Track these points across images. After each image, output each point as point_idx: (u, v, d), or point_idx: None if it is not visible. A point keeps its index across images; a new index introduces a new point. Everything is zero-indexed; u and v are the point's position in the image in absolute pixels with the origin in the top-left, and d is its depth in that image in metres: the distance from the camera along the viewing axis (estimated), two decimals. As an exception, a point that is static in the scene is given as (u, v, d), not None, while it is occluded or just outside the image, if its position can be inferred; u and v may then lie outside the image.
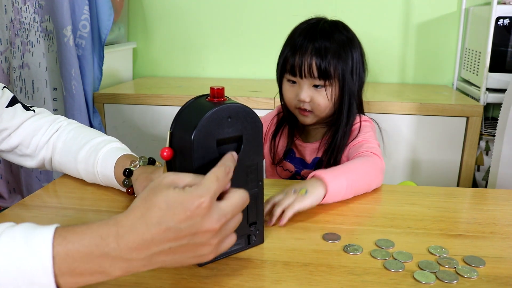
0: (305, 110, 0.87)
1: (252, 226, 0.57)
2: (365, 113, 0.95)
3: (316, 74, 0.84)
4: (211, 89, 0.51)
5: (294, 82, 0.88)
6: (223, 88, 0.52)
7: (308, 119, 0.89)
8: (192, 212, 0.42)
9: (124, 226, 0.42)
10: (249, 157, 0.54)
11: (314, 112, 0.87)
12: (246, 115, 0.52)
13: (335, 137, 0.88)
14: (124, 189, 0.72)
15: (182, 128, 0.51)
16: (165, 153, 0.51)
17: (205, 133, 0.49)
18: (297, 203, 0.64)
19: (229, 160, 0.48)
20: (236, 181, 0.52)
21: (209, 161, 0.50)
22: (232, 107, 0.51)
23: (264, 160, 0.61)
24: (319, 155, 0.92)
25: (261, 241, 0.58)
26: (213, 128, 0.50)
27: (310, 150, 0.94)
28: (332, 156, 0.88)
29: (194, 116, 0.50)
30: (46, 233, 0.41)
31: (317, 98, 0.86)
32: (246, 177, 0.54)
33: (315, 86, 0.86)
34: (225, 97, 0.53)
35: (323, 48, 0.84)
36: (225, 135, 0.51)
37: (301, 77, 0.85)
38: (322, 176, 0.68)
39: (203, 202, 0.42)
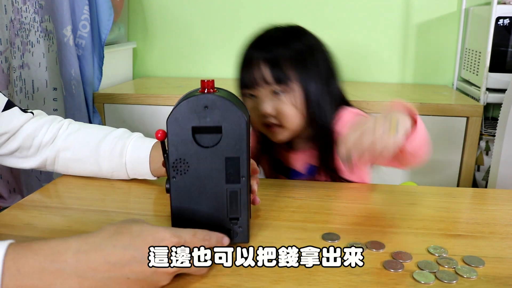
0: (273, 125, 0.80)
1: (234, 221, 0.56)
2: (352, 106, 0.87)
3: (271, 80, 0.77)
4: (202, 82, 0.53)
5: (253, 95, 0.80)
6: (213, 81, 0.53)
7: (280, 135, 0.80)
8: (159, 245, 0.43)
9: (88, 243, 0.41)
10: (230, 149, 0.54)
11: (284, 125, 0.79)
12: (226, 107, 0.52)
13: (321, 142, 0.82)
14: (152, 178, 0.76)
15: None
16: (159, 134, 0.55)
17: (179, 118, 0.53)
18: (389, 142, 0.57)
19: (214, 236, 0.50)
20: (214, 173, 0.54)
21: (184, 146, 0.53)
22: (210, 97, 0.52)
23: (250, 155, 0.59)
24: (312, 162, 0.86)
25: (244, 240, 0.57)
26: (188, 115, 0.52)
27: (300, 159, 0.87)
28: (329, 163, 0.82)
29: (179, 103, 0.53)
30: None
31: (281, 107, 0.78)
32: (226, 171, 0.54)
33: (275, 93, 0.78)
34: (216, 89, 0.54)
35: (276, 56, 0.77)
36: (202, 123, 0.53)
37: (256, 86, 0.78)
38: (411, 112, 0.63)
39: (171, 242, 0.44)
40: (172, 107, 0.54)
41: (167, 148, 0.55)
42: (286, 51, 0.78)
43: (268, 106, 0.78)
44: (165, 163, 0.56)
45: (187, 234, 0.48)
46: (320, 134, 0.81)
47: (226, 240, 0.51)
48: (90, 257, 0.40)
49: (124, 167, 0.76)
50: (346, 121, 0.80)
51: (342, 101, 0.86)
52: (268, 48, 0.79)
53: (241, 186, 0.55)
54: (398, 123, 0.59)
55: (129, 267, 0.42)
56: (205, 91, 0.53)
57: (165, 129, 0.54)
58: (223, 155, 0.54)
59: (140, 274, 0.43)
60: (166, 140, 0.55)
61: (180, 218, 0.56)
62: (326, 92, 0.81)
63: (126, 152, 0.75)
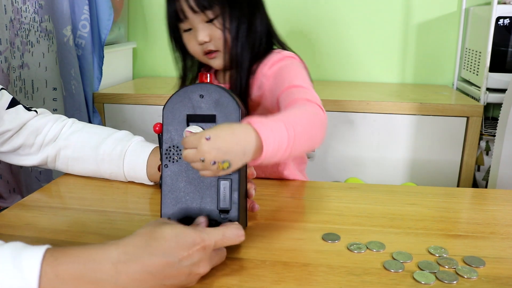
0: (211, 51, 0.81)
1: (224, 214, 0.55)
2: (288, 49, 0.87)
3: (196, 8, 0.78)
4: (200, 74, 0.55)
5: (189, 29, 0.82)
6: (211, 74, 0.55)
7: (218, 60, 0.82)
8: (196, 249, 0.44)
9: (127, 253, 0.41)
10: None
11: (220, 50, 0.81)
12: (221, 96, 0.54)
13: (232, 73, 0.82)
14: (149, 183, 0.75)
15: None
16: (157, 128, 0.56)
17: (174, 106, 0.54)
18: (212, 174, 0.49)
19: (234, 235, 0.51)
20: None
21: (178, 134, 0.55)
22: (205, 86, 0.54)
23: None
24: None
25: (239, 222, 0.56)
26: (184, 102, 0.54)
27: None
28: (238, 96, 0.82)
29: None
30: (36, 252, 0.39)
31: (215, 32, 0.79)
32: None
33: (209, 21, 0.79)
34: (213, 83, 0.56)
35: None
36: (197, 111, 0.54)
37: (186, 17, 0.80)
38: (258, 132, 0.51)
39: (208, 245, 0.45)
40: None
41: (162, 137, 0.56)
42: None
43: (203, 34, 0.80)
44: (161, 159, 0.56)
45: (217, 236, 0.48)
46: (232, 65, 0.82)
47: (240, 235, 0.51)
48: (129, 268, 0.40)
49: (122, 170, 0.76)
50: (272, 63, 0.82)
51: (269, 33, 0.86)
52: None
53: (232, 177, 0.55)
54: (229, 167, 0.49)
55: (165, 273, 0.42)
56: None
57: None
58: None
59: (175, 279, 0.44)
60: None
61: (170, 207, 0.56)
62: (247, 20, 0.81)
63: (124, 155, 0.75)
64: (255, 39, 0.82)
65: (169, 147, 0.55)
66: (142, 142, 0.78)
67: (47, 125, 0.78)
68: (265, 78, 0.82)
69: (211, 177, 0.54)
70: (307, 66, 0.86)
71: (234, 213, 0.55)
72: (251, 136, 0.51)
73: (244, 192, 0.57)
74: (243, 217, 0.57)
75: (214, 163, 0.48)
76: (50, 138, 0.78)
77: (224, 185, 0.55)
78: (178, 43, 0.88)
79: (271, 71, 0.81)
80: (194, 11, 0.79)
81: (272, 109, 0.80)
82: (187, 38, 0.84)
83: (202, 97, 0.54)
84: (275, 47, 0.88)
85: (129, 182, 0.78)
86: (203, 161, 0.47)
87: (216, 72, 0.91)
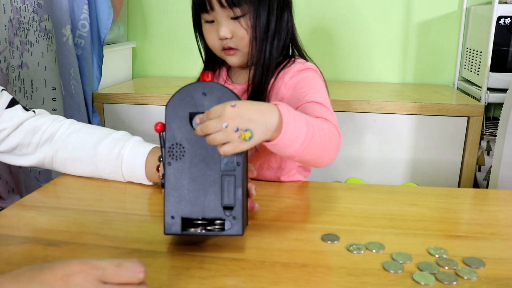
0: (230, 48, 0.80)
1: (228, 210, 0.55)
2: (308, 60, 0.86)
3: (225, 3, 0.76)
4: (202, 73, 0.56)
5: (212, 21, 0.80)
6: (212, 73, 0.56)
7: (235, 58, 0.81)
8: (75, 277, 0.39)
9: (19, 281, 0.39)
10: None
11: (239, 48, 0.80)
12: (224, 93, 0.54)
13: (256, 73, 0.80)
14: (148, 183, 0.75)
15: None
16: (158, 127, 0.56)
17: (177, 104, 0.55)
18: (232, 149, 0.51)
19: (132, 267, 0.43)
20: (209, 159, 0.55)
21: (180, 131, 0.55)
22: (208, 84, 0.54)
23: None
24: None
25: (238, 231, 0.55)
26: (186, 100, 0.54)
27: (238, 92, 0.84)
28: (256, 96, 0.80)
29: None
30: None
31: (239, 31, 0.78)
32: (221, 157, 0.55)
33: (234, 18, 0.78)
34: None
35: None
36: (199, 109, 0.54)
37: (213, 9, 0.78)
38: (282, 114, 0.54)
39: (94, 273, 0.40)
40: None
41: (164, 136, 0.56)
42: None
43: (227, 31, 0.78)
44: (162, 159, 0.56)
45: (110, 264, 0.41)
46: (258, 65, 0.80)
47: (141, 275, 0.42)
48: None
49: (120, 170, 0.76)
50: (293, 72, 0.80)
51: (293, 38, 0.86)
52: None
53: (236, 173, 0.54)
54: (251, 139, 0.51)
55: None
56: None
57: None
58: None
59: None
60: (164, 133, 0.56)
61: (174, 205, 0.55)
62: (276, 21, 0.80)
63: (123, 155, 0.75)
64: (281, 41, 0.81)
65: (172, 144, 0.55)
66: (140, 142, 0.78)
67: (44, 125, 0.78)
68: (284, 86, 0.81)
69: (215, 172, 0.54)
70: (325, 80, 0.85)
71: (238, 209, 0.55)
72: (275, 113, 0.54)
73: (245, 190, 0.57)
74: (245, 216, 0.57)
75: (237, 130, 0.50)
76: (47, 137, 0.78)
77: (228, 181, 0.55)
78: (200, 32, 0.86)
79: (292, 81, 0.80)
80: (222, 5, 0.77)
81: None
82: (207, 29, 0.82)
83: (205, 95, 0.54)
84: (296, 54, 0.87)
85: (127, 182, 0.78)
86: (226, 127, 0.49)
87: (229, 68, 0.89)
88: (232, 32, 0.78)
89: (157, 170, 0.71)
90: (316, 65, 0.86)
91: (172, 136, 0.55)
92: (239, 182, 0.55)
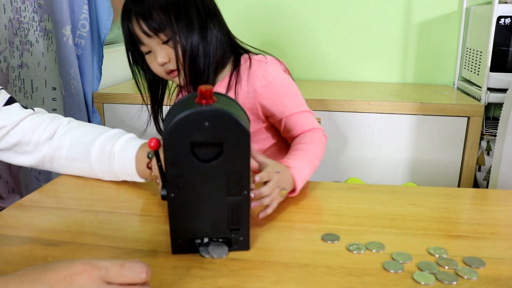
0: (172, 71, 0.83)
1: (234, 232, 0.55)
2: (259, 53, 0.90)
3: (151, 32, 0.79)
4: (199, 90, 0.49)
5: (149, 52, 0.83)
6: (211, 89, 0.49)
7: (180, 78, 0.83)
8: (78, 276, 0.39)
9: (23, 282, 0.39)
10: (231, 164, 0.52)
11: (180, 68, 0.82)
12: (227, 121, 0.49)
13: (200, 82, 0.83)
14: (140, 180, 0.75)
15: (165, 125, 0.52)
16: (152, 143, 0.53)
17: (177, 134, 0.49)
18: (276, 204, 0.65)
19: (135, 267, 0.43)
20: (214, 187, 0.53)
21: (182, 161, 0.51)
22: (209, 112, 0.49)
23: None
24: None
25: (245, 247, 0.56)
26: (186, 130, 0.49)
27: None
28: None
29: (174, 115, 0.50)
30: None
31: (173, 53, 0.81)
32: (228, 184, 0.53)
33: (165, 43, 0.81)
34: (215, 98, 0.51)
35: (147, 7, 0.78)
36: (201, 139, 0.50)
37: (142, 42, 0.81)
38: (295, 179, 0.70)
39: (98, 273, 0.40)
40: (167, 114, 0.52)
41: (163, 163, 0.52)
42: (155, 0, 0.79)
43: (161, 56, 0.81)
44: (160, 174, 0.54)
45: (113, 264, 0.42)
46: (199, 76, 0.83)
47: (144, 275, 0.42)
48: None
49: (113, 168, 0.75)
50: (264, 80, 0.84)
51: (230, 42, 0.88)
52: (138, 0, 0.80)
53: (242, 199, 0.54)
54: (283, 196, 0.67)
55: None
56: (203, 102, 0.50)
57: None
58: (224, 169, 0.52)
59: None
60: (162, 150, 0.53)
61: (180, 229, 0.55)
62: (201, 33, 0.81)
63: (114, 153, 0.74)
64: (212, 49, 0.83)
65: (174, 175, 0.52)
66: (131, 139, 0.76)
67: (43, 123, 0.78)
68: (258, 95, 0.85)
69: (221, 198, 0.53)
70: (286, 65, 0.90)
71: (245, 228, 0.56)
72: (289, 172, 0.70)
73: (249, 204, 0.56)
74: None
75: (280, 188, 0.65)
76: (46, 137, 0.77)
77: (234, 206, 0.54)
78: (138, 64, 0.89)
79: (266, 91, 0.85)
80: (148, 35, 0.80)
81: (264, 117, 0.89)
82: (149, 60, 0.85)
83: (207, 123, 0.49)
84: (241, 51, 0.90)
85: (129, 182, 0.78)
86: (280, 188, 0.65)
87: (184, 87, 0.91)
88: (168, 55, 0.82)
89: (147, 167, 0.71)
90: (270, 54, 0.89)
91: (172, 166, 0.51)
92: (246, 207, 0.54)
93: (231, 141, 0.51)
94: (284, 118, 0.86)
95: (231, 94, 0.85)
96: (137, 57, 0.88)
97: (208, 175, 0.52)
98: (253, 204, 0.61)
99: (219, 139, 0.50)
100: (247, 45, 0.91)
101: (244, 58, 0.88)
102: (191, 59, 0.81)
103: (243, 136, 0.51)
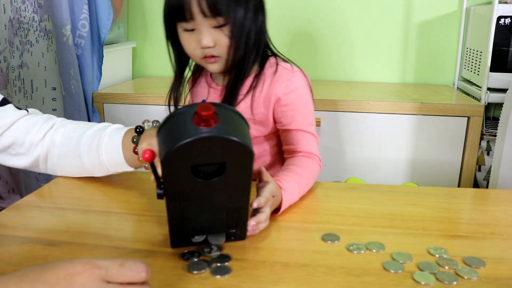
0: (212, 56, 0.79)
1: (232, 228, 0.57)
2: (288, 61, 0.87)
3: (209, 14, 0.74)
4: (198, 113, 0.46)
5: (191, 30, 0.78)
6: (211, 113, 0.46)
7: (216, 65, 0.81)
8: (79, 275, 0.40)
9: (22, 281, 0.40)
10: (233, 180, 0.52)
11: (221, 56, 0.79)
12: (230, 145, 0.47)
13: (232, 78, 0.81)
14: (129, 169, 0.73)
15: (162, 141, 0.49)
16: (146, 155, 0.52)
17: (177, 157, 0.47)
18: (266, 224, 0.64)
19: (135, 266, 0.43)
20: (216, 198, 0.53)
21: (182, 180, 0.50)
22: (211, 138, 0.46)
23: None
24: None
25: (242, 237, 0.59)
26: (187, 154, 0.47)
27: (218, 92, 0.89)
28: (229, 100, 0.82)
29: (173, 134, 0.47)
30: None
31: (221, 39, 0.77)
32: (229, 198, 0.54)
33: (217, 27, 0.77)
34: (215, 113, 0.47)
35: None
36: (203, 161, 0.49)
37: (193, 18, 0.75)
38: (282, 202, 0.67)
39: (98, 272, 0.40)
40: (162, 125, 0.50)
41: (161, 179, 0.51)
42: None
43: (210, 40, 0.77)
44: (155, 175, 0.54)
45: (113, 263, 0.42)
46: (234, 70, 0.81)
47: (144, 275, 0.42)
48: None
49: (102, 160, 0.73)
50: (287, 88, 0.82)
51: (266, 39, 0.86)
52: None
53: (244, 204, 0.55)
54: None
55: None
56: (202, 125, 0.46)
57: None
58: (225, 184, 0.52)
59: None
60: (157, 159, 0.52)
61: (178, 229, 0.56)
62: (254, 24, 0.80)
63: (102, 144, 0.73)
64: (256, 43, 0.81)
65: (174, 192, 0.51)
66: (118, 129, 0.75)
67: (37, 125, 0.77)
68: (276, 101, 0.82)
69: (221, 206, 0.54)
70: (310, 80, 0.87)
71: (243, 224, 0.57)
72: (280, 197, 0.68)
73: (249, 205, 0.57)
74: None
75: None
76: (39, 137, 0.76)
77: (233, 211, 0.55)
78: (175, 41, 0.85)
79: (284, 100, 0.82)
80: (204, 15, 0.75)
81: (272, 124, 0.86)
82: (186, 38, 0.80)
83: (209, 148, 0.47)
84: (269, 53, 0.87)
85: (129, 181, 0.78)
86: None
87: (211, 74, 0.91)
88: (214, 41, 0.77)
89: (134, 152, 0.69)
90: (299, 67, 0.87)
91: (171, 187, 0.51)
92: (245, 210, 0.56)
93: (234, 162, 0.50)
94: (289, 130, 0.83)
95: (251, 95, 0.83)
96: (174, 32, 0.83)
97: (209, 189, 0.52)
98: (251, 229, 0.60)
99: (221, 160, 0.49)
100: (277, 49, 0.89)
101: (270, 62, 0.85)
102: (237, 49, 0.78)
103: (247, 157, 0.50)
